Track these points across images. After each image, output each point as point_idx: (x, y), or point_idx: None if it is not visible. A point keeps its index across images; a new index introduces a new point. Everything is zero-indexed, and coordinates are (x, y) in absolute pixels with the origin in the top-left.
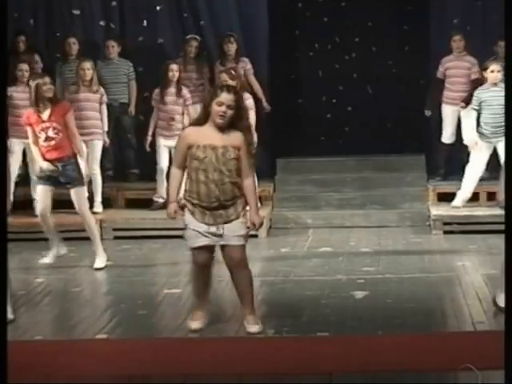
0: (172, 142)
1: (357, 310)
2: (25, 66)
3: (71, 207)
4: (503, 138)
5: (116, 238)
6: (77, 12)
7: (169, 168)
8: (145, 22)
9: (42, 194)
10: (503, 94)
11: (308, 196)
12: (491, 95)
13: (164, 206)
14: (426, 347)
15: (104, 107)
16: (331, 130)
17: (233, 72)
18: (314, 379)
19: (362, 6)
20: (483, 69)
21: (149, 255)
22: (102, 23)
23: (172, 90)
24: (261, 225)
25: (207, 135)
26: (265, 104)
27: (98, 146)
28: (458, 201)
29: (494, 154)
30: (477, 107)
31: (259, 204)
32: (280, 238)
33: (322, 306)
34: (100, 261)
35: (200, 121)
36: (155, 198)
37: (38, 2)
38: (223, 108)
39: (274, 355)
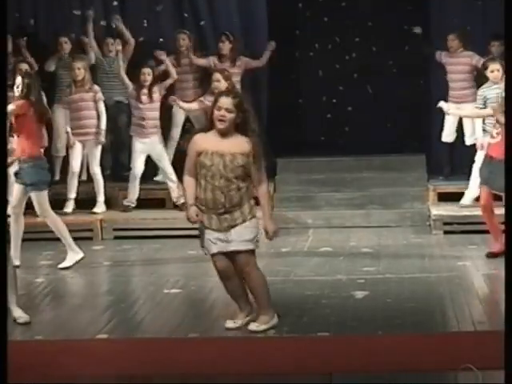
0: (146, 143)
1: (357, 310)
2: None
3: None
4: None
5: (116, 237)
6: (77, 12)
7: (143, 174)
8: (145, 21)
9: (14, 192)
10: None
11: (308, 196)
12: (495, 92)
13: (158, 204)
14: (426, 347)
15: (101, 105)
16: (331, 130)
17: (226, 72)
18: (314, 379)
19: (362, 6)
20: (484, 68)
21: (149, 255)
22: (102, 23)
23: (145, 91)
24: (275, 233)
25: (214, 142)
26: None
27: (96, 145)
28: (466, 199)
29: None
30: (482, 106)
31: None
32: (280, 237)
33: (322, 306)
34: (68, 260)
35: (205, 128)
36: (126, 203)
37: (38, 2)
38: (222, 112)
39: (274, 355)
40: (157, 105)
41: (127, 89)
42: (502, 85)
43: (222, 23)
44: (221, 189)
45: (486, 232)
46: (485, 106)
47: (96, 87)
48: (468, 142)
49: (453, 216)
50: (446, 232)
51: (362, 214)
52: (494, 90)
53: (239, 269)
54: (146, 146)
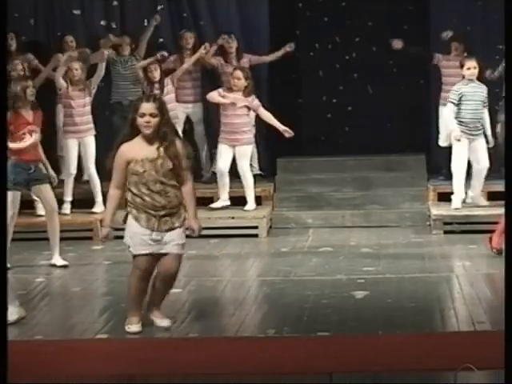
0: None
1: (357, 310)
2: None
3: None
4: (481, 135)
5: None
6: (77, 12)
7: None
8: (145, 21)
9: (13, 200)
10: (482, 89)
11: (308, 196)
12: (471, 90)
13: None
14: (426, 347)
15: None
16: (331, 130)
17: (247, 70)
18: (313, 379)
19: (362, 5)
20: (460, 66)
21: None
22: (102, 23)
23: (156, 85)
24: (199, 230)
25: (142, 149)
26: None
27: (92, 142)
28: (456, 203)
29: (495, 154)
30: (455, 101)
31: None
32: (280, 237)
33: (322, 306)
34: (57, 259)
35: (129, 136)
36: None
37: (38, 2)
38: (146, 118)
39: (274, 355)
40: (170, 97)
41: (142, 84)
42: (477, 84)
43: (222, 23)
44: (159, 193)
45: (486, 232)
46: (459, 102)
47: (90, 82)
48: (442, 143)
49: (453, 216)
50: (445, 232)
51: (361, 214)
52: (469, 88)
53: (163, 271)
54: None
